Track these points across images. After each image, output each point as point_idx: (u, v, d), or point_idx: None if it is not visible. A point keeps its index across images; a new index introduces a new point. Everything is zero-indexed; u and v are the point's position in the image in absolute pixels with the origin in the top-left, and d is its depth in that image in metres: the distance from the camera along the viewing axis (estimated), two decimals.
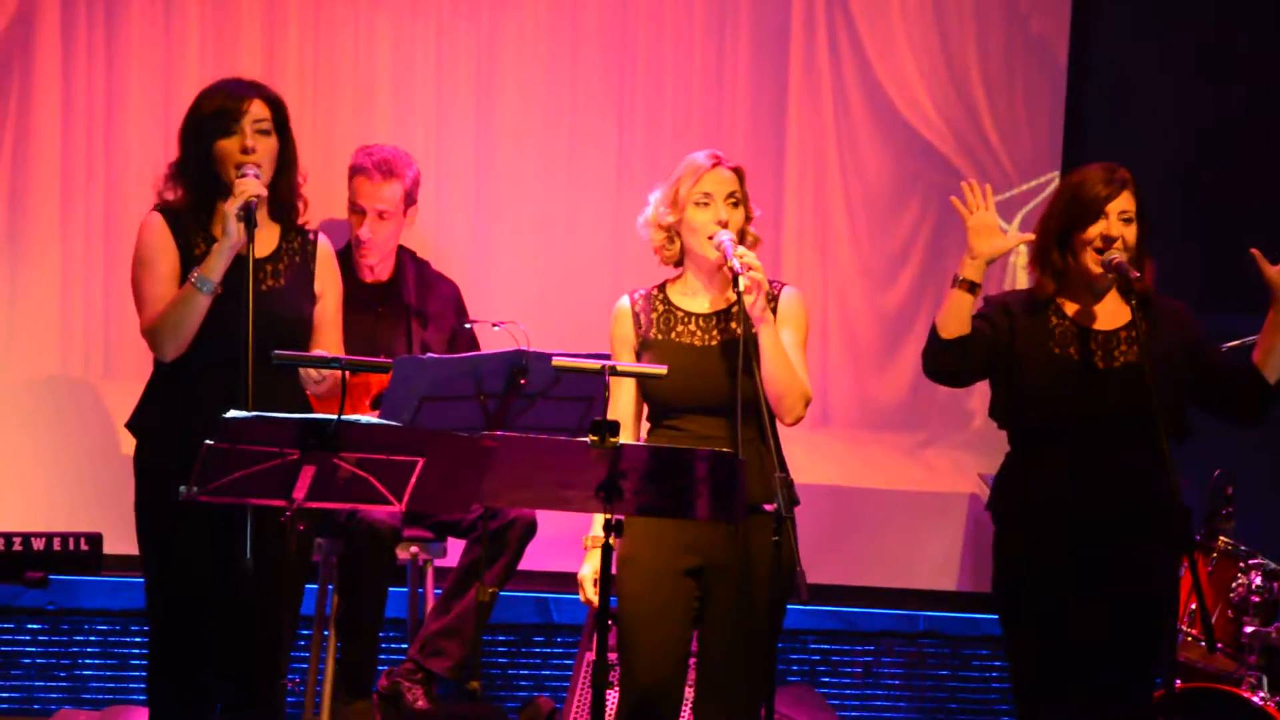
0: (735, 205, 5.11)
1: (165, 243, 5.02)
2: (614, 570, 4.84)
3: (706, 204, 5.09)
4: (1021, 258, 7.38)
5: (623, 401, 5.14)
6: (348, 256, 6.48)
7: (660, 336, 5.14)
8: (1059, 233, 5.06)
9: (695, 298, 5.18)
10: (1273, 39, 7.73)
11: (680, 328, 5.15)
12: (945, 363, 5.04)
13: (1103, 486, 4.99)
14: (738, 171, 5.14)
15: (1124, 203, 5.03)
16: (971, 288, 4.98)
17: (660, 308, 5.17)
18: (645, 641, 5.04)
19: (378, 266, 6.56)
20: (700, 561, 5.05)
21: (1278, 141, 7.76)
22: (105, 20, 6.89)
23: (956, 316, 4.99)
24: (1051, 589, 5.02)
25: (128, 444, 5.13)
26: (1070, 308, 5.09)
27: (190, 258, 4.99)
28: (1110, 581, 5.00)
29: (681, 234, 5.13)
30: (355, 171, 6.53)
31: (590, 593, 5.08)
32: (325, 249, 5.18)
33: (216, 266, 4.91)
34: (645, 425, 5.19)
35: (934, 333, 5.03)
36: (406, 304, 6.56)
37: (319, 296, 5.13)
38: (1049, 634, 5.03)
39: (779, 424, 5.07)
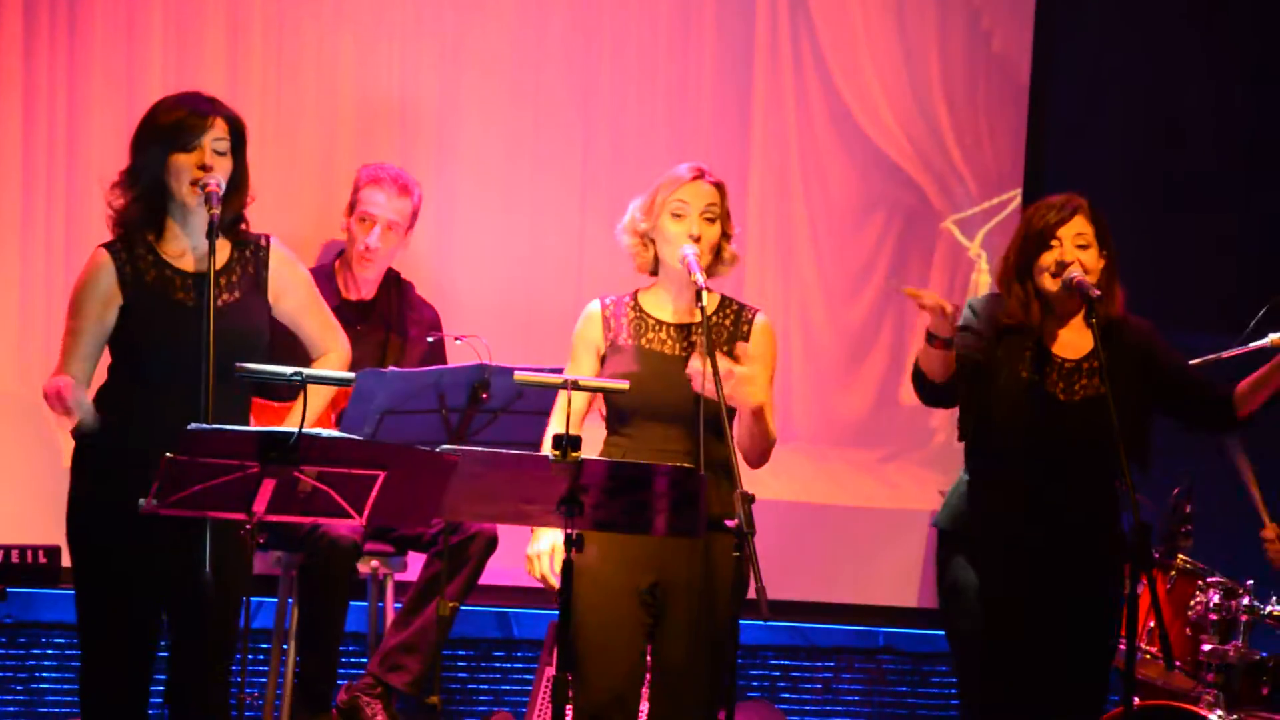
0: (711, 220, 5.08)
1: (98, 292, 4.97)
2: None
3: (681, 215, 5.07)
4: (985, 276, 7.41)
5: (575, 401, 5.06)
6: (330, 274, 6.48)
7: (630, 342, 5.13)
8: (1019, 264, 5.09)
9: (667, 307, 5.17)
10: (1233, 56, 7.77)
11: (651, 334, 5.14)
12: (942, 397, 5.05)
13: (1053, 515, 5.01)
14: (719, 186, 5.12)
15: (1078, 226, 5.04)
16: (948, 344, 4.94)
17: (632, 314, 5.16)
18: (598, 654, 5.02)
19: (368, 283, 6.53)
20: (654, 577, 5.04)
21: (1238, 161, 7.80)
22: (68, 32, 6.86)
23: (943, 365, 4.98)
24: (998, 610, 5.03)
25: None
26: (1036, 334, 5.11)
27: (140, 283, 4.94)
28: (1056, 605, 5.02)
29: (656, 243, 5.12)
30: (368, 182, 6.50)
31: (537, 569, 5.05)
32: (278, 250, 5.12)
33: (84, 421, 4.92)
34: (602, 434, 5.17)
35: (925, 378, 5.00)
36: (386, 324, 6.54)
37: (276, 300, 5.10)
38: (995, 654, 5.04)
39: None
